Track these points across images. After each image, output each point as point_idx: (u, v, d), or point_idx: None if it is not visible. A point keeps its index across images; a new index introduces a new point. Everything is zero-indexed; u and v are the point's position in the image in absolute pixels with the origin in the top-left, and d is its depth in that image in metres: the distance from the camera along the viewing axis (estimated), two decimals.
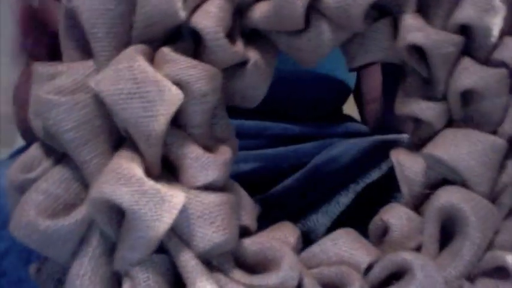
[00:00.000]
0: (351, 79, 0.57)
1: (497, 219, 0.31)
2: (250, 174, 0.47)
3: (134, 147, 0.27)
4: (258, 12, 0.30)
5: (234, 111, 0.48)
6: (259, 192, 0.47)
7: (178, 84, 0.28)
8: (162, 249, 0.28)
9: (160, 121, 0.27)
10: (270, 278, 0.28)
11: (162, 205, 0.26)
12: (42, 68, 0.28)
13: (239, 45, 0.30)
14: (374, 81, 0.60)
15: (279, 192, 0.47)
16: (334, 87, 0.55)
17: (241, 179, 0.47)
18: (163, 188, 0.26)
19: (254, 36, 0.32)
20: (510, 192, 0.31)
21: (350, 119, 0.56)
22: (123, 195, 0.25)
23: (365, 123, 0.60)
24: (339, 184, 0.46)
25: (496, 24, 0.31)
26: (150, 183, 0.26)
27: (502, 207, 0.32)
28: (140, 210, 0.25)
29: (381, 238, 0.33)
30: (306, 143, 0.50)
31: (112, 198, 0.25)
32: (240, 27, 0.31)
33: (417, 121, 0.34)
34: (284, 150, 0.49)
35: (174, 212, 0.26)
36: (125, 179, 0.25)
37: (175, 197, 0.26)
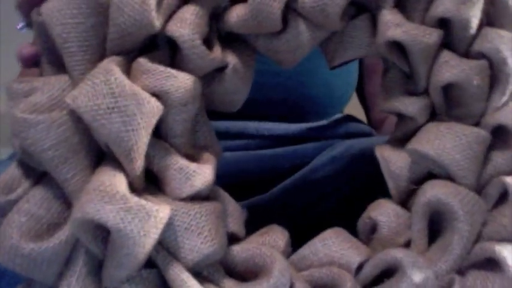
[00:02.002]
0: (350, 84, 0.57)
1: (485, 211, 0.31)
2: (251, 174, 0.47)
3: (116, 162, 0.27)
4: (235, 16, 0.30)
5: (235, 113, 0.48)
6: (259, 192, 0.46)
7: (157, 95, 0.27)
8: (151, 263, 0.27)
9: (141, 134, 0.26)
10: (261, 286, 0.28)
11: (148, 221, 0.25)
12: (17, 85, 0.27)
13: (217, 51, 0.30)
14: (376, 86, 0.60)
15: (279, 192, 0.47)
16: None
17: (242, 178, 0.48)
18: (148, 204, 0.25)
19: (232, 40, 0.32)
20: (496, 183, 0.31)
21: (351, 119, 0.56)
22: (107, 214, 0.24)
23: (372, 126, 0.60)
24: (340, 184, 0.46)
25: (474, 16, 0.31)
26: (134, 199, 0.25)
27: (489, 198, 0.32)
28: (126, 228, 0.25)
29: (370, 235, 0.33)
30: (307, 143, 0.50)
31: (96, 218, 0.24)
32: (217, 31, 0.30)
33: (400, 116, 0.34)
34: (284, 150, 0.49)
35: (160, 227, 0.25)
36: (109, 197, 0.25)
37: (160, 212, 0.26)
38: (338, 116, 0.55)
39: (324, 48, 0.33)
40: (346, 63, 0.35)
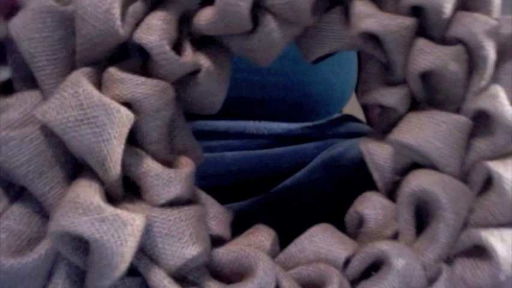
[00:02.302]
0: (349, 84, 0.57)
1: (470, 197, 0.31)
2: (251, 174, 0.47)
3: (92, 173, 0.27)
4: (204, 19, 0.30)
5: (235, 112, 0.48)
6: (259, 192, 0.46)
7: (128, 103, 0.27)
8: (133, 271, 0.27)
9: (114, 144, 0.26)
10: (246, 286, 0.28)
11: (124, 229, 0.25)
12: None
13: (188, 55, 0.29)
14: None
15: (279, 192, 0.47)
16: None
17: (242, 178, 0.47)
18: (123, 212, 0.25)
19: (205, 42, 0.32)
20: (480, 169, 0.31)
21: (351, 119, 0.56)
22: (82, 225, 0.24)
23: (371, 126, 0.60)
24: (340, 184, 0.46)
25: (447, 1, 0.30)
26: (109, 209, 0.25)
27: (474, 185, 0.31)
28: (103, 238, 0.25)
29: (357, 229, 0.33)
30: (307, 143, 0.50)
31: (72, 230, 0.24)
32: (189, 35, 0.30)
33: (381, 107, 0.34)
34: (284, 150, 0.49)
35: (138, 235, 0.26)
36: (83, 208, 0.25)
37: (136, 219, 0.26)
38: (338, 115, 0.55)
39: (299, 44, 0.33)
40: (325, 57, 0.35)
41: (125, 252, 0.25)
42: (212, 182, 0.45)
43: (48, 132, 0.26)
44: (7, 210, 0.27)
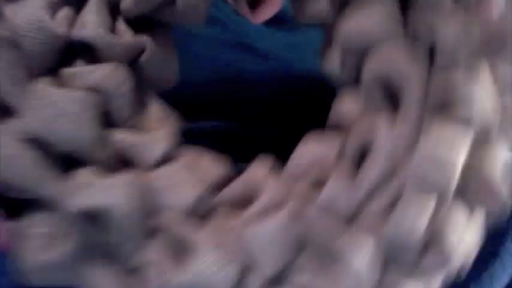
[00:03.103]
0: None
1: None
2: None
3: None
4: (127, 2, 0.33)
5: (235, 115, 0.49)
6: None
7: (90, 90, 0.30)
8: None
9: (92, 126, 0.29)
10: (257, 204, 0.30)
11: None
12: None
13: (126, 36, 0.32)
14: None
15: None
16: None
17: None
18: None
19: (143, 22, 0.34)
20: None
21: None
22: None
23: None
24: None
25: None
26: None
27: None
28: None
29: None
30: None
31: None
32: (122, 18, 0.33)
33: None
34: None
35: None
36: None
37: None
38: None
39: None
40: None
41: None
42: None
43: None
44: None
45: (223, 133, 0.48)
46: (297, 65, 0.49)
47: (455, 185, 0.30)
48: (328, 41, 0.36)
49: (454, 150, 0.31)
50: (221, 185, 0.32)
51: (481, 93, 0.31)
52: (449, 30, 0.32)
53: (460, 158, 0.30)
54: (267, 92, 0.50)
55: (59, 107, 0.28)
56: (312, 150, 0.33)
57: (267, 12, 0.36)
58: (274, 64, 0.49)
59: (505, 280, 0.38)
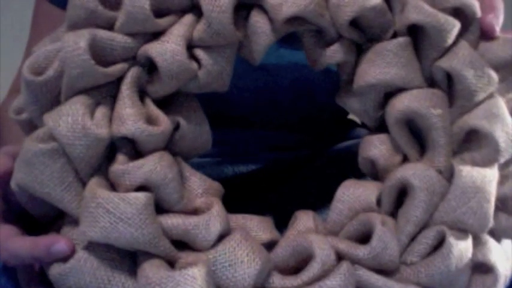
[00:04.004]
0: None
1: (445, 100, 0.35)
2: (249, 175, 0.50)
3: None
4: (156, 85, 0.34)
5: (236, 121, 0.50)
6: (258, 194, 0.49)
7: (141, 186, 0.31)
8: None
9: (150, 222, 0.30)
10: (312, 268, 0.32)
11: (194, 282, 0.30)
12: None
13: (162, 121, 0.33)
14: None
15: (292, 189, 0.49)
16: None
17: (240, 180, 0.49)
18: (187, 269, 0.30)
19: (170, 99, 0.35)
20: (437, 71, 0.35)
21: (354, 124, 0.58)
22: None
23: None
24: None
25: None
26: (176, 272, 0.30)
27: (440, 84, 0.35)
28: None
29: (373, 171, 0.37)
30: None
31: None
32: (152, 102, 0.34)
33: (337, 65, 0.37)
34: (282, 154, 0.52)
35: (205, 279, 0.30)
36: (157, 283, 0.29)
37: (200, 268, 0.30)
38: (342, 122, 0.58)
39: (243, 54, 0.36)
40: None
41: None
42: None
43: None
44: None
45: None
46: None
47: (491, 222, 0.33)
48: (347, 81, 0.37)
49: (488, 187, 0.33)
50: (270, 246, 0.34)
51: (502, 131, 0.34)
52: (468, 73, 0.34)
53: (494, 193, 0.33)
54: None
55: (117, 214, 0.30)
56: (353, 195, 0.35)
57: None
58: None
59: None
